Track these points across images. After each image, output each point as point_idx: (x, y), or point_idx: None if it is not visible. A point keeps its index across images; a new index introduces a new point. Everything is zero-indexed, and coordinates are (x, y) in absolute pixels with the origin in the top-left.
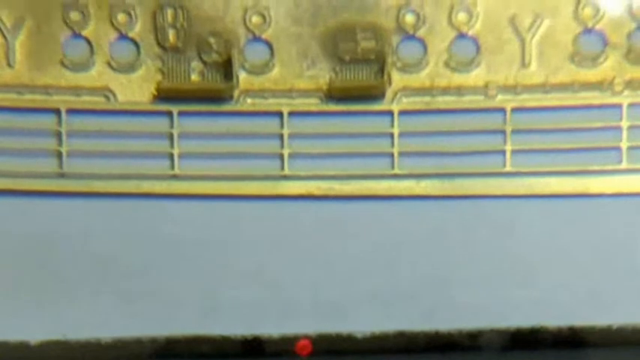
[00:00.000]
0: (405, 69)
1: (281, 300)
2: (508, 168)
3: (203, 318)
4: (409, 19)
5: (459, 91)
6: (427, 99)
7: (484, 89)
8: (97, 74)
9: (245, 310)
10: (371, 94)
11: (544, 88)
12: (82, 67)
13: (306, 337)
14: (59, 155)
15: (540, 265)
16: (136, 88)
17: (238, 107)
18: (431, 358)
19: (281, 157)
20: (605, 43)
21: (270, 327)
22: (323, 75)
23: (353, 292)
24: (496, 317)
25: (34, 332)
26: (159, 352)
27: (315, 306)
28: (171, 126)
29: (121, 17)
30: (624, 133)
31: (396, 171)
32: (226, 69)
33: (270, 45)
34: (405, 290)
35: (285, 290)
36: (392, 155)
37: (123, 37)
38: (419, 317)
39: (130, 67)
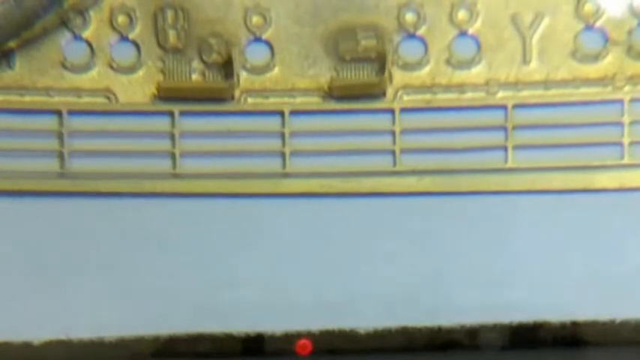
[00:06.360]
0: (406, 67)
1: (283, 298)
2: (510, 164)
3: (205, 316)
4: (410, 18)
5: (460, 88)
6: (428, 96)
7: (485, 86)
8: (98, 75)
9: (247, 308)
10: (372, 92)
11: (545, 84)
12: (83, 68)
13: (309, 333)
14: (61, 156)
15: (543, 261)
16: (137, 88)
17: (239, 107)
18: (433, 355)
19: (282, 155)
20: (606, 39)
21: (273, 325)
22: (324, 74)
23: (354, 289)
24: (498, 314)
25: (37, 332)
26: (161, 351)
27: (316, 304)
28: (173, 126)
29: (121, 19)
30: (626, 129)
31: (398, 168)
32: (227, 69)
33: (270, 45)
34: (407, 287)
35: (286, 288)
36: (393, 152)
37: (123, 38)
38: (420, 315)
39: (130, 68)
